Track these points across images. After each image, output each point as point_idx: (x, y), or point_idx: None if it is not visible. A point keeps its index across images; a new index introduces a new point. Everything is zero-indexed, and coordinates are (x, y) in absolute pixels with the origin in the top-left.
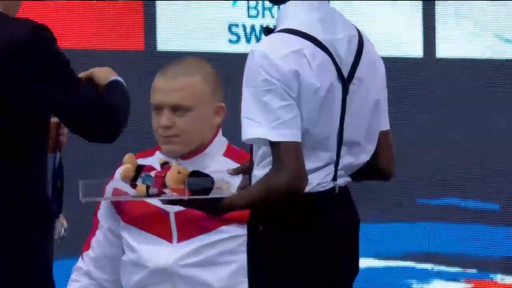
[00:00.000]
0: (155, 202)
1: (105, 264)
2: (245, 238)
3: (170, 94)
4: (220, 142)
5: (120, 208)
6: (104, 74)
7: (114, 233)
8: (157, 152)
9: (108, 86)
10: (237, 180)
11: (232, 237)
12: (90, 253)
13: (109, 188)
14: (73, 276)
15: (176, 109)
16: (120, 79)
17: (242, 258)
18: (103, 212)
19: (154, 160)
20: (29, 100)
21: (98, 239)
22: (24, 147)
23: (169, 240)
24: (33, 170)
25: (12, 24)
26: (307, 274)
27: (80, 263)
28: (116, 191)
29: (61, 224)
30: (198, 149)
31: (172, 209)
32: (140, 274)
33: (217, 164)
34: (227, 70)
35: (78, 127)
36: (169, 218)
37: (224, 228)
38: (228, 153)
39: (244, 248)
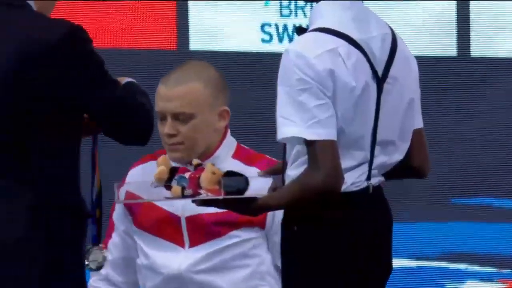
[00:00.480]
0: (166, 207)
1: (123, 267)
2: (256, 241)
3: (171, 102)
4: (229, 144)
5: (131, 211)
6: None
7: (130, 235)
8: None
9: (125, 88)
10: (261, 182)
11: (243, 241)
12: (108, 257)
13: (122, 192)
14: (91, 281)
15: (178, 116)
16: (133, 80)
17: (255, 261)
18: (118, 214)
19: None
20: (62, 101)
21: (115, 242)
22: (56, 146)
23: (181, 245)
24: (64, 169)
25: (47, 23)
26: (341, 273)
27: None
28: (129, 195)
29: (101, 254)
30: (207, 154)
31: (184, 214)
32: (154, 280)
33: (227, 166)
34: (259, 69)
35: (112, 129)
36: (180, 223)
37: (235, 232)
38: (237, 155)
39: (257, 251)
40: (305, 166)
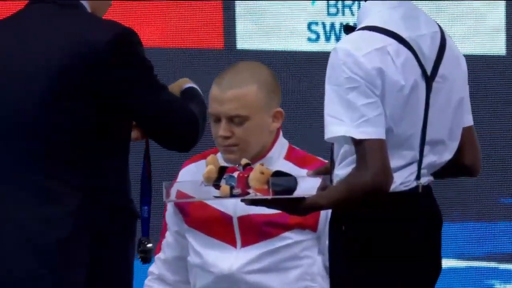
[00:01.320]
0: (219, 206)
1: (176, 266)
2: (307, 243)
3: (226, 105)
4: (281, 146)
5: (184, 211)
6: (178, 83)
7: (182, 234)
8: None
9: (184, 93)
10: (311, 182)
11: (294, 243)
12: (161, 256)
13: (172, 191)
14: (146, 281)
15: (233, 119)
16: (195, 86)
17: (306, 262)
18: (169, 213)
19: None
20: (108, 101)
21: (168, 241)
22: (105, 147)
23: (233, 245)
24: (113, 170)
25: (98, 25)
26: (390, 274)
27: (152, 267)
28: (179, 194)
29: (147, 246)
30: (260, 155)
31: (235, 214)
32: (206, 279)
33: (279, 168)
34: (306, 68)
35: (157, 135)
36: (232, 223)
37: (286, 234)
38: (289, 156)
39: (308, 253)
40: (354, 165)
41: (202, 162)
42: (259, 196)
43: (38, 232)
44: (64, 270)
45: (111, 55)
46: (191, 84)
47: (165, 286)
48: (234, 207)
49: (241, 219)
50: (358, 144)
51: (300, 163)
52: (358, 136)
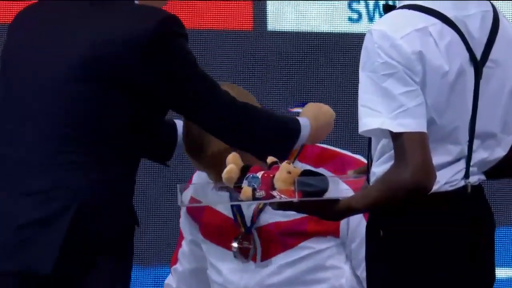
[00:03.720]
0: (230, 213)
1: (195, 280)
2: (331, 251)
3: None
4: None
5: (197, 219)
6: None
7: (197, 244)
8: None
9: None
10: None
11: (316, 252)
12: (178, 268)
13: (186, 194)
14: None
15: None
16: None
17: (333, 274)
18: (183, 222)
19: None
20: (144, 99)
21: (184, 251)
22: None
23: (252, 258)
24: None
25: (140, 13)
26: (434, 284)
27: (169, 279)
28: (192, 200)
29: None
30: None
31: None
32: None
33: None
34: (346, 51)
35: (206, 127)
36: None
37: (306, 243)
38: (303, 156)
39: (334, 262)
40: (392, 162)
41: None
42: (284, 199)
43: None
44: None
45: (150, 46)
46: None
47: None
48: (250, 216)
49: (260, 229)
50: (395, 137)
51: (316, 162)
52: (395, 128)
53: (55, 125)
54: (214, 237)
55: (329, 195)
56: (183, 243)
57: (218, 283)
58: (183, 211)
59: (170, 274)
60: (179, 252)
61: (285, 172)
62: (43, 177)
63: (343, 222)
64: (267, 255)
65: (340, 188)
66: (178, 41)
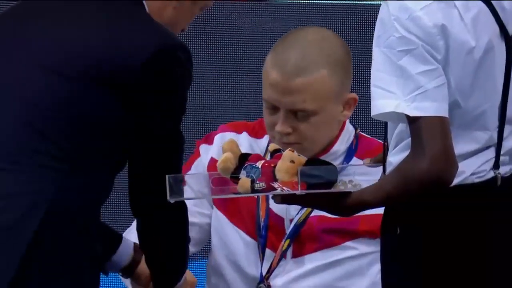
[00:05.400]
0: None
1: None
2: (374, 256)
3: (290, 96)
4: (348, 135)
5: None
6: None
7: (207, 213)
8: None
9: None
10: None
11: (360, 256)
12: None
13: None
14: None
15: (297, 112)
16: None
17: (371, 282)
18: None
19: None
20: (122, 120)
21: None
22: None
23: (282, 254)
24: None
25: (140, 34)
26: (455, 287)
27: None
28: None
29: None
30: (322, 151)
31: (288, 215)
32: None
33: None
34: (356, 24)
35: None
36: (284, 226)
37: (350, 243)
38: (361, 151)
39: (375, 268)
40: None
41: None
42: (286, 191)
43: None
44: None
45: (140, 77)
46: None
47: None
48: (287, 207)
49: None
50: (412, 122)
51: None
52: (412, 112)
53: (26, 124)
54: (238, 222)
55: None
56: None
57: (234, 271)
58: (197, 167)
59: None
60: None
61: (288, 161)
62: (10, 179)
63: None
64: (301, 252)
65: (364, 180)
66: (175, 72)
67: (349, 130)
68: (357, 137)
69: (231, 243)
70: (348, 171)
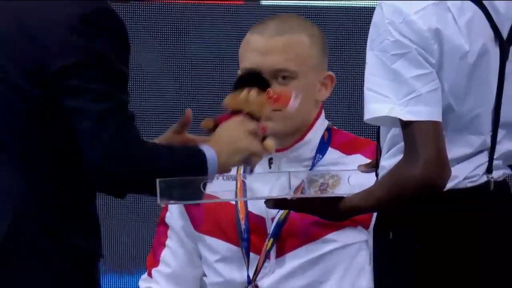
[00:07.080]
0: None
1: (189, 277)
2: (360, 246)
3: (272, 55)
4: (322, 126)
5: (192, 214)
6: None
7: (190, 235)
8: None
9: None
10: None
11: (342, 248)
12: (163, 270)
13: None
14: None
15: (277, 75)
16: (209, 154)
17: (357, 270)
18: (174, 217)
19: None
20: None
21: (173, 250)
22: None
23: (266, 255)
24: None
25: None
26: None
27: (146, 281)
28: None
29: None
30: (298, 134)
31: (268, 214)
32: None
33: (325, 159)
34: (350, 27)
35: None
36: (265, 226)
37: (331, 236)
38: (335, 142)
39: (358, 258)
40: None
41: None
42: (278, 196)
43: None
44: None
45: (64, 41)
46: (208, 150)
47: None
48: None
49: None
50: (406, 127)
51: (348, 150)
52: (405, 116)
53: None
54: (215, 231)
55: (343, 191)
56: (168, 242)
57: (220, 284)
58: (174, 206)
59: (146, 278)
60: (163, 253)
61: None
62: None
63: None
64: (285, 249)
65: (356, 184)
66: (98, 37)
67: (324, 121)
68: (329, 129)
69: (216, 253)
70: (323, 163)
